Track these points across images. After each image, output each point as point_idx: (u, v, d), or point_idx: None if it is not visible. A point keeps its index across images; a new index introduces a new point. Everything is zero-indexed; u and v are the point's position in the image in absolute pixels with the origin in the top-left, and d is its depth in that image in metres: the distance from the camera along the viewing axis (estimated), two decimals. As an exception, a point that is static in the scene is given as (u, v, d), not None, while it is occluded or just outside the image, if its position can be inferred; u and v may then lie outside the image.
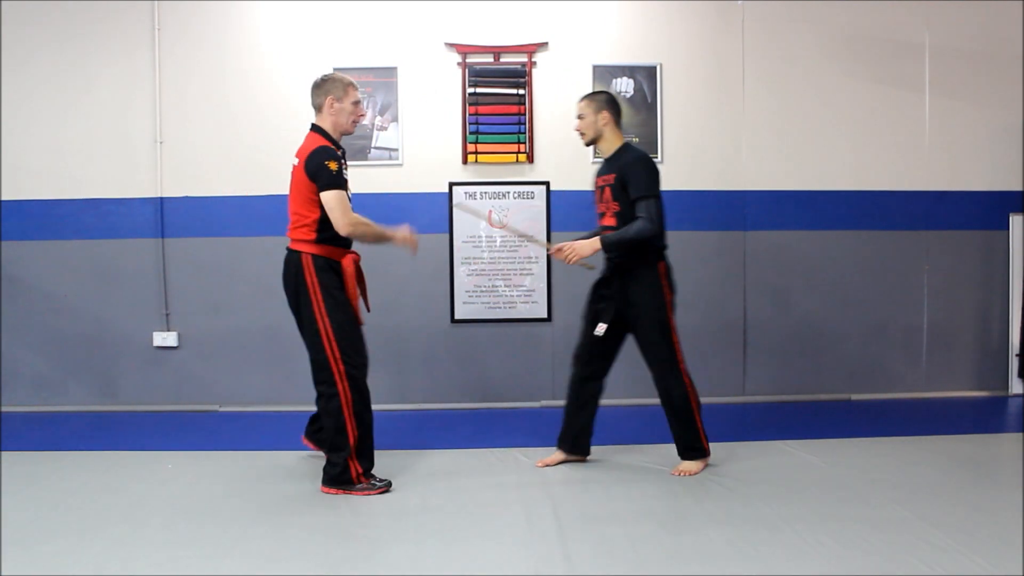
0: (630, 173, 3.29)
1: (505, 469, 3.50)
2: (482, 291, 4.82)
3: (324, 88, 3.28)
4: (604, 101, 3.42)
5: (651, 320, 3.35)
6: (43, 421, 4.54)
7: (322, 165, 3.14)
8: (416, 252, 3.49)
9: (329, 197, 3.15)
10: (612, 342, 3.46)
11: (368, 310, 3.46)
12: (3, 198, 4.78)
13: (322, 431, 3.37)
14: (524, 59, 4.79)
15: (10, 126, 4.77)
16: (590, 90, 4.75)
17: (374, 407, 4.39)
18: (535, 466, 3.51)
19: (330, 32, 4.78)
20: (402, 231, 3.34)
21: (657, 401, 4.89)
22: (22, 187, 4.79)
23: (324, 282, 3.21)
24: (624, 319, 3.40)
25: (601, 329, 3.36)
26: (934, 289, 4.99)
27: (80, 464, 3.60)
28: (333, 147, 3.24)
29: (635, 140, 4.81)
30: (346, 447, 3.17)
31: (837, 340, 4.97)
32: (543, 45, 4.81)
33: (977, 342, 5.04)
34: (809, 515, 2.83)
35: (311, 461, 3.62)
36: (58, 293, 4.82)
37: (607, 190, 3.40)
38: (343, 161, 3.26)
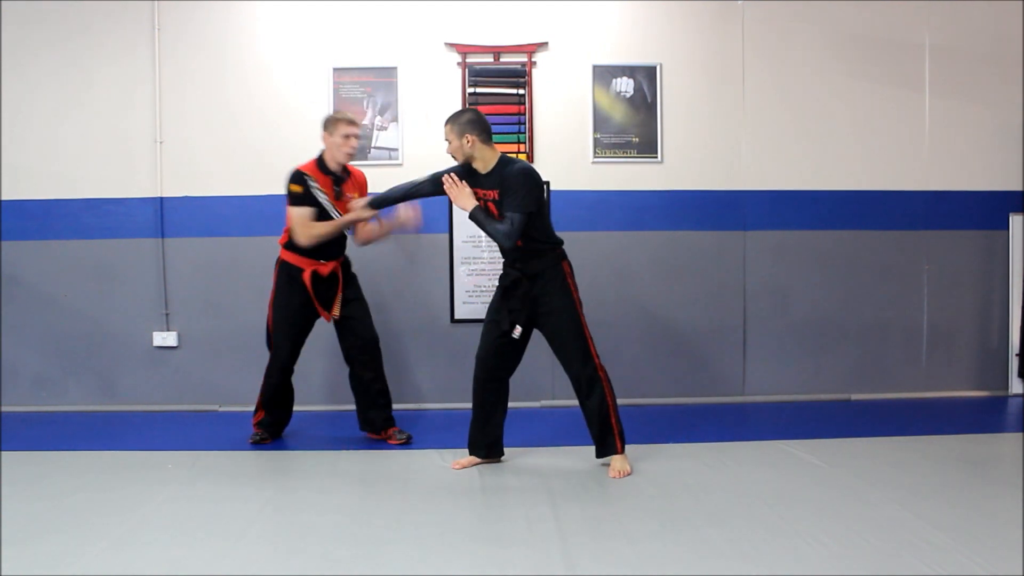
0: (510, 188, 3.30)
1: (505, 469, 3.50)
2: (482, 291, 4.82)
3: (323, 123, 3.88)
4: (465, 123, 3.35)
5: (565, 321, 3.39)
6: (43, 421, 4.53)
7: (287, 185, 3.80)
8: (412, 226, 3.92)
9: (289, 214, 3.79)
10: (521, 344, 3.49)
11: (328, 319, 3.91)
12: (3, 198, 4.78)
13: (364, 420, 4.00)
14: (524, 59, 4.79)
15: (10, 126, 4.76)
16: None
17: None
18: (452, 467, 3.50)
19: (330, 32, 4.77)
20: (401, 215, 3.87)
21: (655, 401, 4.90)
22: (22, 187, 4.78)
23: (280, 286, 3.89)
24: (533, 322, 3.46)
25: (518, 331, 3.41)
26: (934, 289, 4.99)
27: (80, 464, 3.60)
28: (306, 172, 3.81)
29: (635, 140, 4.83)
30: (256, 408, 4.00)
31: (837, 340, 4.97)
32: (543, 45, 4.81)
33: (977, 342, 5.04)
34: (809, 515, 2.83)
35: (310, 461, 3.63)
36: (58, 293, 4.81)
37: (491, 205, 3.38)
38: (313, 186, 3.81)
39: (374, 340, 3.94)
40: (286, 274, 3.86)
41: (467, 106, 3.39)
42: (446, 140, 3.43)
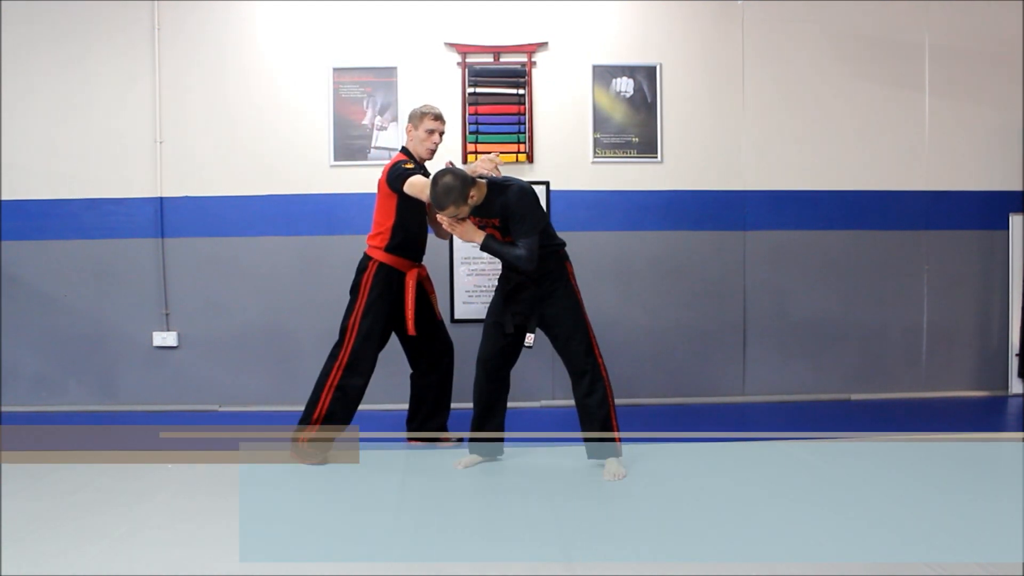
0: (514, 213, 3.26)
1: (505, 468, 3.50)
2: (482, 291, 4.82)
3: (409, 116, 3.72)
4: (462, 187, 3.20)
5: (570, 320, 3.41)
6: (43, 421, 4.53)
7: (394, 171, 3.55)
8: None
9: (411, 183, 3.49)
10: (522, 340, 3.51)
11: (439, 318, 3.85)
12: (3, 198, 4.79)
13: (422, 425, 3.87)
14: (524, 59, 4.79)
15: (10, 126, 4.77)
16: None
17: (376, 406, 4.43)
18: (453, 467, 3.50)
19: (330, 32, 4.78)
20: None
21: (655, 401, 4.89)
22: (22, 187, 4.79)
23: (376, 289, 3.61)
24: (539, 321, 3.45)
25: (531, 340, 3.44)
26: (934, 289, 4.99)
27: (80, 464, 3.60)
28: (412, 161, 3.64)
29: (635, 140, 4.84)
30: (307, 420, 3.60)
31: (837, 340, 4.97)
32: (543, 45, 4.81)
33: (977, 342, 5.04)
34: (809, 514, 2.83)
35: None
36: (58, 293, 4.82)
37: (496, 232, 3.35)
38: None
39: (452, 344, 3.94)
40: (384, 277, 3.63)
41: (444, 165, 3.27)
42: (455, 217, 3.28)
